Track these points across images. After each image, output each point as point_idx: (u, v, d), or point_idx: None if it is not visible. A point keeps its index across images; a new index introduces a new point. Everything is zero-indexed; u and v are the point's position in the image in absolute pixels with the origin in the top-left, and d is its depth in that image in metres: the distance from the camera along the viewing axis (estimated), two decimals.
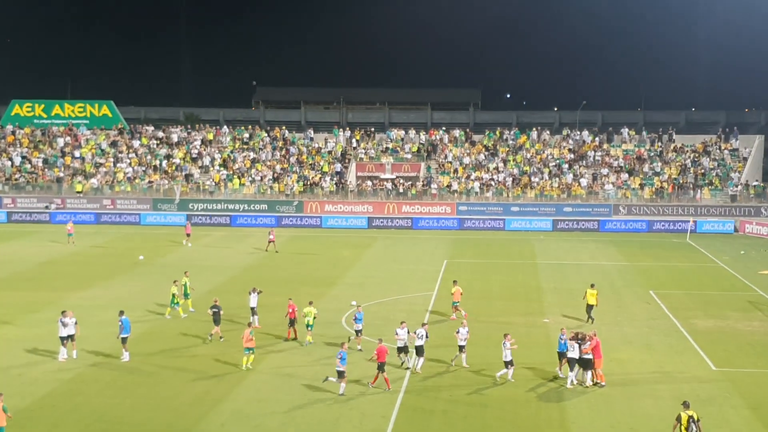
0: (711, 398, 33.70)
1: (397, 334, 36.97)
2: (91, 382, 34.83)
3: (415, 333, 36.71)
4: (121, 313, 38.91)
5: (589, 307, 46.30)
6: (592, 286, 47.47)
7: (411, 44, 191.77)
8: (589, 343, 34.87)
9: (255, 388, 34.39)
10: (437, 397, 33.29)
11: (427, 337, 36.92)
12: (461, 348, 37.49)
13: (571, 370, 34.94)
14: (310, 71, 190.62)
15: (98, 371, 36.31)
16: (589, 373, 34.87)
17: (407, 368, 36.78)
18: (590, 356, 34.70)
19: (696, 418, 27.18)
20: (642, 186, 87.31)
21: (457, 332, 37.72)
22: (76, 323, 38.34)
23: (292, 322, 41.17)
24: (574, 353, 34.90)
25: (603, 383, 34.70)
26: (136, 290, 52.89)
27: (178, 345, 40.38)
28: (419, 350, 36.51)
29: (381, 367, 34.31)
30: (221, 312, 41.70)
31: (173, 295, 45.60)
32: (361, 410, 31.78)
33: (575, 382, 34.77)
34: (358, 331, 40.08)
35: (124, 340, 38.13)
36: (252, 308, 43.82)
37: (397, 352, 36.92)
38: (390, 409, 31.90)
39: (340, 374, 33.44)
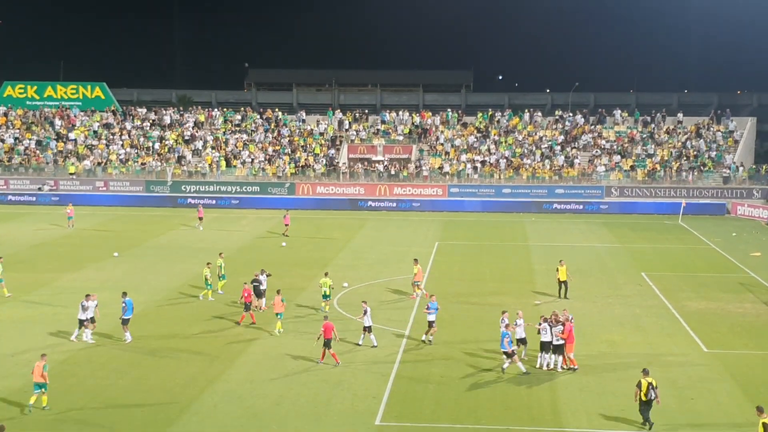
0: (702, 379, 33.88)
1: (516, 324, 35.75)
2: (84, 363, 34.89)
3: (515, 324, 35.83)
4: (124, 294, 38.90)
5: (562, 284, 47.21)
6: (561, 262, 48.21)
7: (403, 26, 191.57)
8: (562, 327, 34.71)
9: (247, 369, 34.49)
10: (429, 379, 33.40)
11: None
12: (431, 324, 37.83)
13: (545, 352, 34.82)
14: (302, 53, 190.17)
15: (91, 353, 36.37)
16: (560, 357, 34.66)
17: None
18: (562, 341, 34.49)
19: (654, 385, 28.66)
20: (634, 168, 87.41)
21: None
22: (96, 306, 38.28)
23: (247, 307, 40.88)
24: (546, 337, 34.81)
25: (575, 367, 34.58)
26: (129, 272, 52.89)
27: (171, 327, 40.44)
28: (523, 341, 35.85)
29: (327, 344, 34.77)
30: (262, 286, 42.57)
31: (206, 278, 45.41)
32: (353, 391, 31.90)
33: (551, 366, 34.66)
34: (431, 323, 38.28)
35: (125, 321, 38.11)
36: (261, 290, 43.74)
37: (517, 343, 35.56)
38: (382, 389, 32.03)
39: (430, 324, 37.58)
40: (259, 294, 42.87)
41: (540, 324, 35.23)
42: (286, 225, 66.52)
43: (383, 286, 49.52)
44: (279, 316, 39.61)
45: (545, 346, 34.80)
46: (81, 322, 37.81)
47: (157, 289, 47.37)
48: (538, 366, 34.69)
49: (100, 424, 28.63)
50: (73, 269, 53.02)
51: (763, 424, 25.42)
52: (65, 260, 56.08)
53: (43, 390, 29.88)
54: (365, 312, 37.52)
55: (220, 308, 43.71)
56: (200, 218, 70.65)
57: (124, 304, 38.21)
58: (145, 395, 31.45)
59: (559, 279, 47.42)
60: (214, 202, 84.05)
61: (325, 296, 43.06)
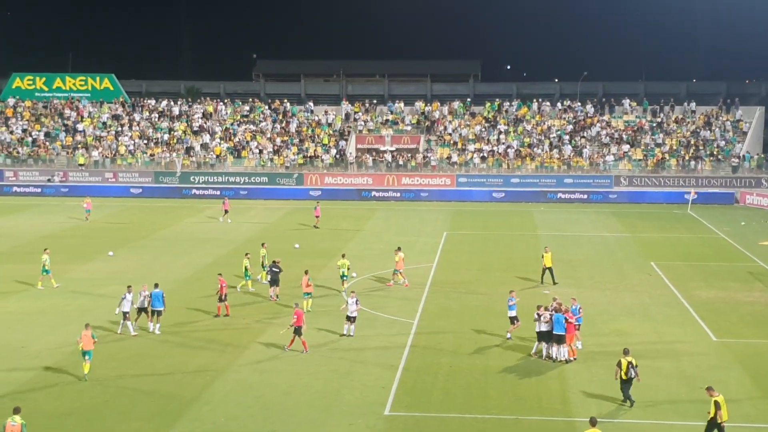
0: (712, 368, 33.85)
1: (538, 318, 35.21)
2: (94, 354, 34.92)
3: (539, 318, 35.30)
4: (156, 285, 38.91)
5: (548, 270, 47.88)
6: (546, 248, 49.01)
7: (410, 16, 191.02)
8: (546, 315, 34.53)
9: (257, 359, 34.57)
10: (438, 370, 33.42)
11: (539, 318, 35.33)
12: (350, 319, 37.50)
13: (543, 342, 34.72)
14: (310, 44, 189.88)
15: (101, 344, 36.41)
16: (564, 348, 34.45)
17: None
18: (563, 332, 34.28)
19: (634, 364, 29.74)
20: (645, 157, 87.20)
21: (350, 303, 37.64)
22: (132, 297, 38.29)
23: (222, 299, 40.79)
24: (543, 326, 34.72)
25: (573, 358, 34.47)
26: (138, 263, 52.99)
27: (181, 317, 40.48)
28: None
29: (297, 331, 35.03)
30: (280, 273, 42.93)
31: (246, 268, 45.49)
32: (362, 382, 31.95)
33: (551, 355, 34.62)
34: (513, 318, 37.44)
35: (155, 312, 38.15)
36: (273, 280, 43.85)
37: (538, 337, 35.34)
38: (391, 380, 32.07)
39: (512, 319, 37.04)
40: (275, 282, 42.93)
41: (538, 314, 35.09)
42: (317, 217, 66.29)
43: (391, 275, 49.47)
44: (307, 296, 41.13)
45: (543, 336, 34.73)
46: (125, 315, 37.70)
47: (166, 280, 47.31)
48: (543, 357, 34.58)
49: (110, 414, 28.72)
50: (81, 261, 53.15)
51: (715, 402, 25.83)
52: (74, 252, 56.18)
53: (88, 357, 32.00)
54: (349, 303, 37.39)
55: (231, 298, 43.74)
56: (226, 211, 69.85)
57: (148, 295, 38.17)
58: (156, 384, 31.56)
59: (544, 265, 48.03)
60: (219, 192, 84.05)
61: (343, 276, 45.06)
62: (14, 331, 38.44)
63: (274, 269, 43.32)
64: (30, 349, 35.55)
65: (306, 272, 42.09)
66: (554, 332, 34.36)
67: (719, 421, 25.83)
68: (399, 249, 48.41)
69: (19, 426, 23.99)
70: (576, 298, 37.67)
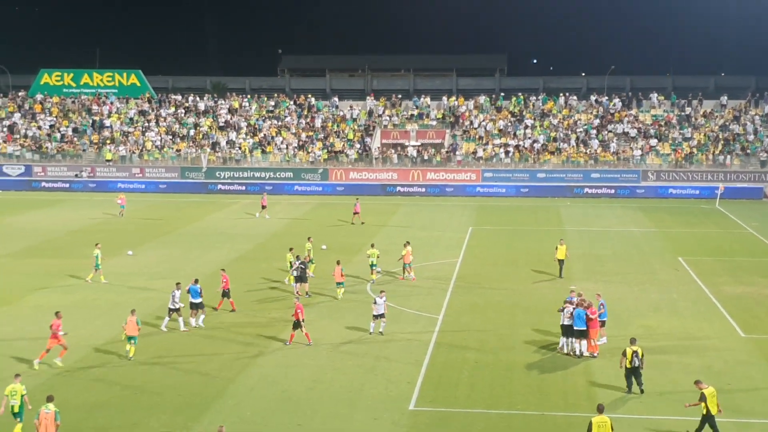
0: (739, 364, 33.60)
1: (562, 311, 35.18)
2: (120, 348, 35.16)
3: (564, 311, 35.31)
4: (196, 281, 39.02)
5: (560, 262, 47.95)
6: (561, 241, 49.01)
7: (436, 10, 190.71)
8: (569, 309, 34.41)
9: (282, 353, 34.66)
10: (463, 365, 33.36)
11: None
12: (376, 317, 37.03)
13: (566, 336, 34.65)
14: (335, 39, 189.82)
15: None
16: (584, 343, 34.35)
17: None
18: (584, 327, 34.11)
19: (640, 354, 30.07)
20: (672, 152, 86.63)
21: (379, 301, 37.08)
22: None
23: (225, 293, 40.81)
24: (566, 320, 34.57)
25: (595, 354, 34.25)
26: (163, 259, 53.24)
27: (206, 312, 40.54)
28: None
29: (296, 325, 35.29)
30: (308, 269, 43.01)
31: (290, 263, 45.68)
32: (387, 377, 31.94)
33: (575, 350, 34.43)
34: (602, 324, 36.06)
35: (194, 305, 38.23)
36: (298, 277, 43.84)
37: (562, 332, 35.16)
38: (416, 375, 32.05)
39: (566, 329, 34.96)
40: (303, 279, 43.06)
41: (562, 308, 35.03)
42: (356, 213, 66.04)
43: (416, 271, 49.39)
44: (340, 285, 42.90)
45: (566, 330, 34.61)
46: (175, 311, 37.73)
47: (192, 275, 47.46)
48: (565, 351, 34.50)
49: (137, 408, 28.89)
50: (109, 255, 53.21)
51: (701, 394, 26.09)
52: (102, 247, 56.36)
53: (133, 342, 33.64)
54: (378, 301, 36.99)
55: (257, 294, 43.93)
56: (263, 206, 69.61)
57: (187, 290, 38.32)
58: (182, 378, 31.71)
59: (557, 258, 48.07)
60: (244, 188, 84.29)
61: (372, 266, 46.44)
62: (45, 324, 38.55)
63: (301, 266, 43.29)
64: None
65: (338, 262, 43.69)
66: (574, 327, 34.23)
67: (711, 414, 26.04)
68: (407, 243, 48.38)
69: (52, 413, 24.75)
70: (600, 294, 37.46)
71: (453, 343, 36.13)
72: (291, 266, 45.14)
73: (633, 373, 30.19)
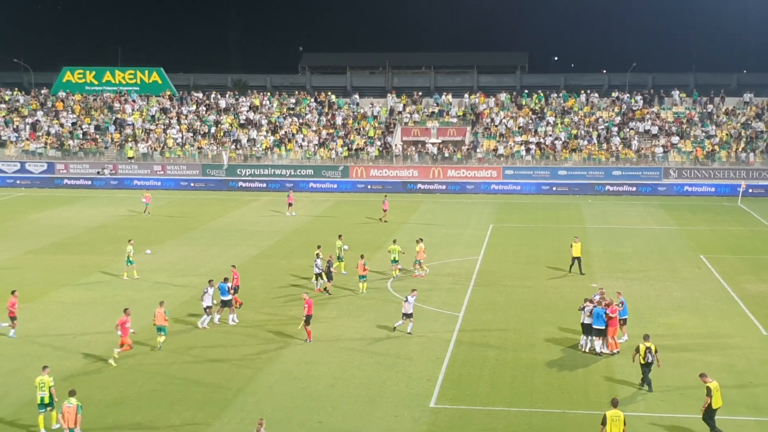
0: (762, 363, 33.42)
1: (583, 309, 35.05)
2: (142, 344, 35.36)
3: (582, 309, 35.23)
4: (225, 279, 39.19)
5: (575, 260, 48.23)
6: (576, 238, 49.28)
7: (457, 7, 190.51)
8: (590, 307, 34.36)
9: (303, 350, 34.73)
10: (483, 362, 33.34)
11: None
12: (405, 316, 36.74)
13: (586, 335, 34.58)
14: (355, 36, 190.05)
15: (150, 334, 36.82)
16: (601, 340, 34.23)
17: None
18: (603, 326, 34.00)
19: (654, 350, 30.60)
20: (694, 149, 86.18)
21: (406, 300, 36.91)
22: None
23: (235, 290, 40.52)
24: (586, 319, 34.45)
25: (615, 351, 34.14)
26: (186, 255, 53.42)
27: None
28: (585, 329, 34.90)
29: (307, 320, 35.54)
30: (332, 267, 43.05)
31: (340, 249, 46.31)
32: (408, 374, 31.96)
33: (594, 349, 34.36)
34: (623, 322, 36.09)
35: (223, 303, 38.35)
36: (318, 273, 43.88)
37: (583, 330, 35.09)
38: (436, 372, 32.05)
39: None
40: (329, 277, 43.04)
41: (583, 306, 34.95)
42: (385, 210, 65.87)
43: (437, 269, 49.44)
44: (362, 279, 43.45)
45: (586, 328, 34.51)
46: (207, 309, 37.75)
47: (213, 272, 47.72)
48: (583, 349, 34.44)
49: (158, 404, 29.05)
50: (134, 245, 53.49)
51: (707, 388, 26.49)
52: (123, 243, 56.62)
53: (162, 332, 34.79)
54: (408, 300, 36.81)
55: (279, 290, 44.02)
56: (290, 204, 69.36)
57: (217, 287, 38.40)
58: (203, 375, 31.83)
59: (572, 255, 48.31)
60: (265, 185, 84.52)
61: (394, 261, 46.73)
62: (66, 320, 38.99)
63: (327, 264, 43.26)
64: (81, 339, 36.04)
65: (362, 256, 44.25)
66: (593, 326, 34.14)
67: (714, 407, 26.36)
68: (420, 240, 48.41)
69: (74, 407, 25.30)
70: (621, 292, 37.33)
71: (473, 340, 36.10)
72: (339, 256, 45.96)
73: (648, 368, 30.54)
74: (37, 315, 39.84)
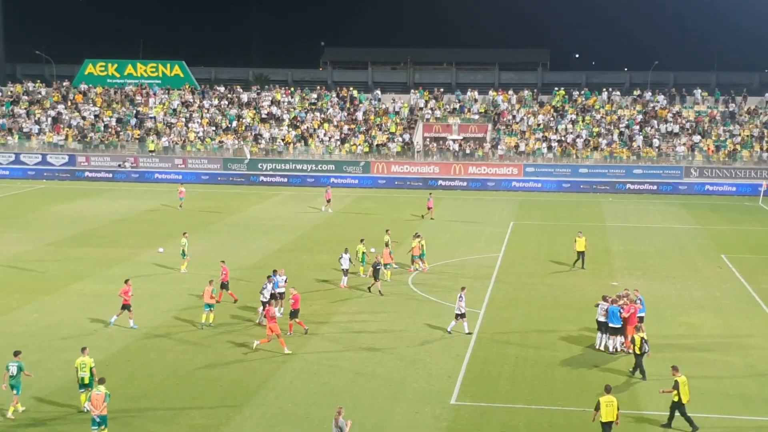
0: None
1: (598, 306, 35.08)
2: (164, 338, 35.56)
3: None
4: (275, 272, 39.55)
5: (580, 254, 48.75)
6: (580, 233, 49.67)
7: (478, 3, 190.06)
8: (604, 305, 34.34)
9: (323, 346, 34.80)
10: (504, 360, 33.34)
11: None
12: (458, 316, 36.40)
13: (601, 332, 34.50)
14: (377, 32, 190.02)
15: (170, 328, 37.04)
16: (619, 338, 34.16)
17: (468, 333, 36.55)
18: (619, 324, 33.93)
19: (646, 339, 31.83)
20: (716, 148, 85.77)
21: (460, 298, 36.48)
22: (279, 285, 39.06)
23: (224, 286, 40.85)
24: (601, 317, 34.43)
25: (630, 351, 33.91)
26: (207, 248, 53.57)
27: (249, 302, 40.84)
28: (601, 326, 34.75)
29: (294, 314, 35.92)
30: (380, 268, 42.79)
31: (363, 254, 46.27)
32: (428, 371, 32.00)
33: (608, 347, 34.34)
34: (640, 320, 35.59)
35: (276, 295, 38.64)
36: (344, 270, 43.89)
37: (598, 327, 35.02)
38: (457, 369, 32.07)
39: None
40: (376, 276, 42.72)
41: (599, 303, 34.95)
42: (429, 208, 65.42)
43: (458, 265, 49.45)
44: (388, 267, 44.95)
45: (601, 326, 34.46)
46: (264, 304, 37.54)
47: (234, 266, 47.90)
48: (597, 347, 34.37)
49: (179, 398, 29.20)
50: (152, 245, 53.86)
51: (675, 382, 27.00)
52: (145, 236, 57.07)
53: (211, 308, 36.93)
54: (460, 298, 36.39)
55: (299, 286, 44.03)
56: (328, 200, 69.06)
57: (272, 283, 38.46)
58: (224, 370, 31.95)
59: (576, 250, 48.83)
60: (286, 180, 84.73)
61: (416, 257, 47.40)
62: (88, 313, 39.19)
63: (377, 267, 42.75)
64: (102, 332, 36.23)
65: (387, 245, 46.36)
66: (609, 324, 34.11)
67: (683, 402, 26.80)
68: (416, 236, 48.53)
69: (102, 395, 25.65)
70: (638, 290, 37.23)
71: (494, 338, 36.10)
72: (363, 257, 46.17)
73: (641, 357, 31.50)
74: (58, 307, 40.10)
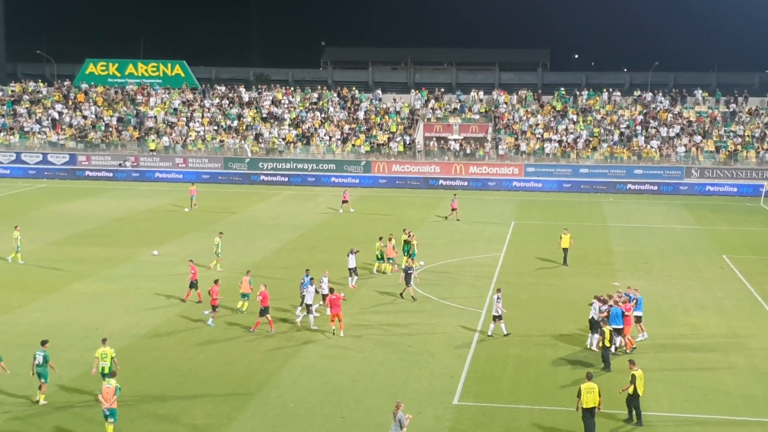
0: None
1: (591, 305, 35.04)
2: (165, 337, 35.53)
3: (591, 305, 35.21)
4: (308, 270, 39.27)
5: (564, 251, 49.36)
6: (565, 230, 50.32)
7: (479, 4, 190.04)
8: (605, 307, 34.31)
9: (326, 345, 34.76)
10: (507, 360, 33.29)
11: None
12: (495, 318, 36.23)
13: (594, 332, 34.42)
14: (378, 32, 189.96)
15: (173, 327, 37.00)
16: (618, 339, 34.05)
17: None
18: (621, 325, 33.86)
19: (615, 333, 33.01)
20: (717, 149, 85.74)
21: (497, 299, 36.27)
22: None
23: (193, 285, 40.84)
24: (594, 315, 34.43)
25: (628, 350, 34.07)
26: (207, 247, 53.38)
27: (250, 302, 40.76)
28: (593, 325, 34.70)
29: (263, 312, 36.02)
30: (413, 273, 41.84)
31: (379, 252, 46.74)
32: (430, 370, 31.95)
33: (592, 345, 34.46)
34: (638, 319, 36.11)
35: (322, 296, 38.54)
36: (350, 269, 43.78)
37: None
38: (459, 369, 32.03)
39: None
40: (408, 281, 42.01)
41: (592, 302, 34.99)
42: (454, 209, 64.79)
43: (459, 265, 49.41)
44: (390, 261, 46.53)
45: (593, 326, 34.41)
46: (308, 307, 37.38)
47: (236, 265, 47.91)
48: (588, 346, 34.30)
49: (181, 397, 29.13)
50: (153, 244, 53.75)
51: (632, 375, 27.41)
52: (145, 235, 56.99)
53: (246, 298, 38.74)
54: (498, 299, 36.13)
55: (299, 285, 44.04)
56: (345, 201, 68.30)
57: (307, 283, 38.03)
58: (226, 369, 31.91)
59: (561, 246, 49.43)
60: (287, 179, 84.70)
61: (410, 255, 46.70)
62: (89, 312, 39.16)
63: (409, 272, 42.16)
64: (103, 331, 36.08)
65: (390, 239, 47.25)
66: (612, 326, 33.89)
67: (638, 394, 27.28)
68: (390, 237, 48.39)
69: (113, 388, 25.97)
70: (638, 290, 37.03)
71: (496, 338, 35.98)
72: (380, 256, 46.72)
73: (608, 351, 32.35)
74: (60, 306, 40.07)
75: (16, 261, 48.31)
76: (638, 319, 35.72)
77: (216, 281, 37.96)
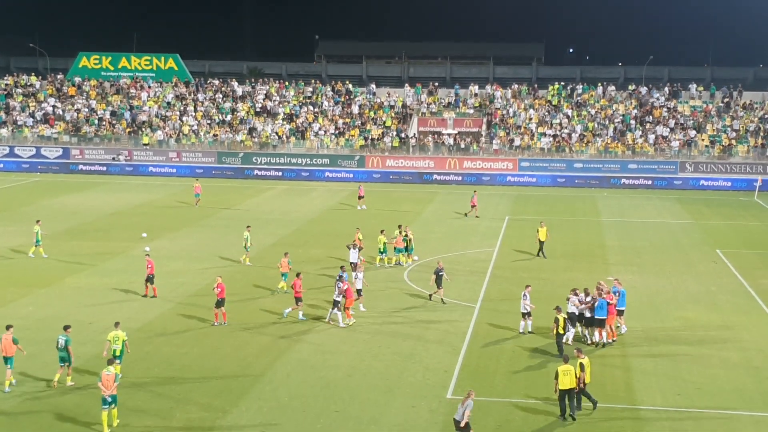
0: None
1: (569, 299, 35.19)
2: (159, 332, 35.46)
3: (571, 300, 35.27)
4: (342, 268, 39.34)
5: (541, 243, 49.83)
6: (542, 223, 50.69)
7: None
8: (590, 298, 34.60)
9: (320, 339, 34.74)
10: (500, 354, 33.31)
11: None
12: (524, 315, 36.22)
13: (572, 326, 34.47)
14: (372, 25, 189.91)
15: (166, 322, 36.93)
16: (597, 330, 34.29)
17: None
18: (605, 316, 34.05)
19: (567, 318, 33.55)
20: (711, 143, 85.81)
21: (524, 296, 36.41)
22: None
23: (150, 279, 40.76)
24: (573, 308, 34.61)
25: (611, 340, 34.38)
26: (201, 242, 53.51)
27: (245, 296, 40.80)
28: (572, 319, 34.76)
29: (219, 304, 36.23)
30: (443, 274, 40.93)
31: (383, 245, 47.17)
32: (424, 364, 31.95)
33: (587, 336, 34.70)
34: (620, 311, 36.05)
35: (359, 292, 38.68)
36: (352, 263, 43.49)
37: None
38: (453, 363, 32.03)
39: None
40: (439, 283, 41.55)
41: (569, 297, 35.15)
42: (474, 206, 64.12)
43: (453, 259, 49.39)
44: (399, 251, 47.47)
45: (572, 319, 34.46)
46: (335, 304, 37.02)
47: (230, 260, 47.86)
48: (567, 341, 34.23)
49: (175, 392, 29.08)
50: (146, 239, 53.67)
51: (581, 364, 27.68)
52: (139, 230, 56.80)
53: (285, 278, 40.80)
54: (525, 296, 35.99)
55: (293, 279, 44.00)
56: (361, 197, 67.88)
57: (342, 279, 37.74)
58: (219, 364, 31.86)
59: (539, 239, 49.78)
60: (281, 174, 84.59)
61: (406, 250, 48.03)
62: (83, 306, 39.08)
63: (440, 273, 41.57)
64: (97, 325, 36.07)
65: (399, 228, 48.13)
66: (596, 316, 34.18)
67: (583, 384, 27.58)
68: (382, 231, 48.43)
69: (113, 375, 26.45)
70: (621, 282, 37.02)
71: (490, 332, 36.05)
72: (382, 250, 47.06)
73: (561, 338, 32.94)
74: (52, 300, 40.00)
75: (39, 255, 48.18)
76: (620, 313, 35.74)
77: (298, 274, 37.99)
